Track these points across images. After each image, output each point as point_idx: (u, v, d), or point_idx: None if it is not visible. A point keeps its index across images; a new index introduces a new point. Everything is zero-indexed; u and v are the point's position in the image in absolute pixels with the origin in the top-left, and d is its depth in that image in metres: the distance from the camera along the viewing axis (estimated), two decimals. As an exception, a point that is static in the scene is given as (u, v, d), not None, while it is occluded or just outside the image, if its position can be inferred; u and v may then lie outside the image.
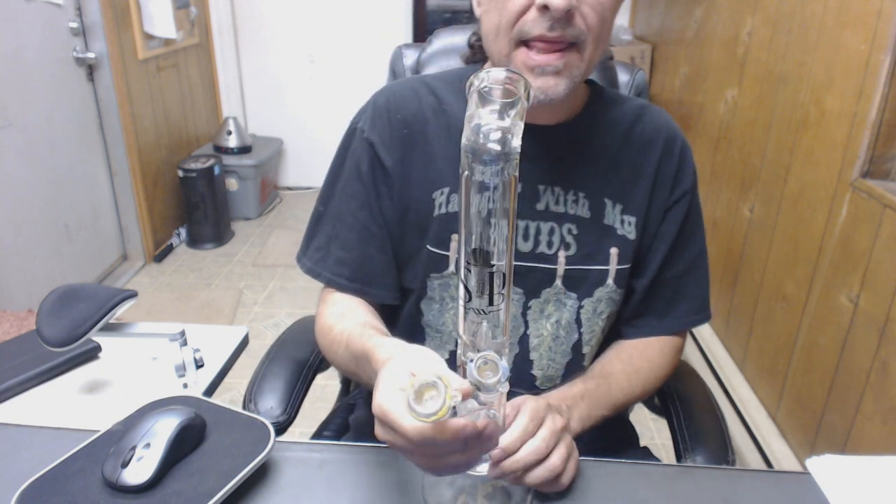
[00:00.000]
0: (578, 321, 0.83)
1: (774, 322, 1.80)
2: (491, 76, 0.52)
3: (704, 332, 2.23)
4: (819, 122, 1.60)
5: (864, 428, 1.39)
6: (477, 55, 0.88)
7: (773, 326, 1.81)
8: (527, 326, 0.82)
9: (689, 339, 2.02)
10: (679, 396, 0.93)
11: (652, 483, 0.66)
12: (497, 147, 0.48)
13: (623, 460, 0.69)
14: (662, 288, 0.87)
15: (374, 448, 0.68)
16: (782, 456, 1.67)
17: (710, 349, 2.16)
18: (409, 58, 1.10)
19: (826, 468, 0.67)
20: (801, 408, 1.64)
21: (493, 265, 0.52)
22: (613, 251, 0.81)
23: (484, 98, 0.50)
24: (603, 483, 0.65)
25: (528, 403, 0.64)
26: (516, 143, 0.49)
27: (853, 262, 1.44)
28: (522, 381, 0.84)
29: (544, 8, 0.67)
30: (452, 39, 1.08)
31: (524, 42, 0.71)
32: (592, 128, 0.82)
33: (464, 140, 0.49)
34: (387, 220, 0.83)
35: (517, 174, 0.50)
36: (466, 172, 0.49)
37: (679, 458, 0.85)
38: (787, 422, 1.72)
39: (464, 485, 0.64)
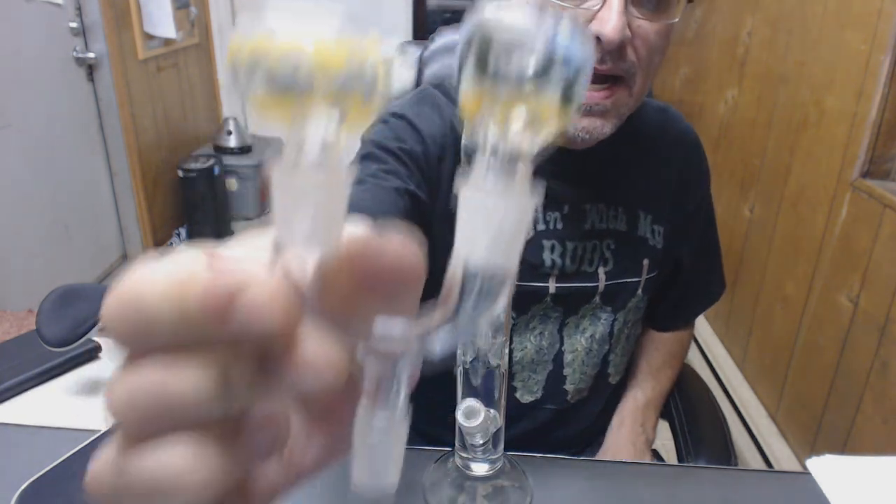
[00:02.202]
0: (611, 333, 0.83)
1: (774, 322, 1.80)
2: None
3: (704, 332, 2.23)
4: (819, 122, 1.60)
5: (864, 428, 1.39)
6: None
7: (773, 326, 1.81)
8: (562, 343, 0.81)
9: (689, 339, 2.02)
10: (681, 399, 0.93)
11: (652, 483, 0.66)
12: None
13: (624, 460, 0.69)
14: (689, 283, 0.91)
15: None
16: (782, 456, 1.67)
17: (710, 349, 2.16)
18: (412, 55, 1.10)
19: (826, 468, 0.67)
20: (801, 408, 1.64)
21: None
22: (645, 262, 0.81)
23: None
24: (603, 483, 0.65)
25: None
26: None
27: (853, 262, 1.44)
28: (555, 396, 0.83)
29: (595, 39, 0.63)
30: (455, 37, 1.08)
31: None
32: (625, 139, 0.80)
33: (464, 140, 0.49)
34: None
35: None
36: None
37: (681, 461, 0.85)
38: (787, 422, 1.72)
39: (464, 485, 0.64)
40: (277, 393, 0.18)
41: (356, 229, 0.20)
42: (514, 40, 0.17)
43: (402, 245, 0.18)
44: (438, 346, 0.19)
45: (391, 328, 0.19)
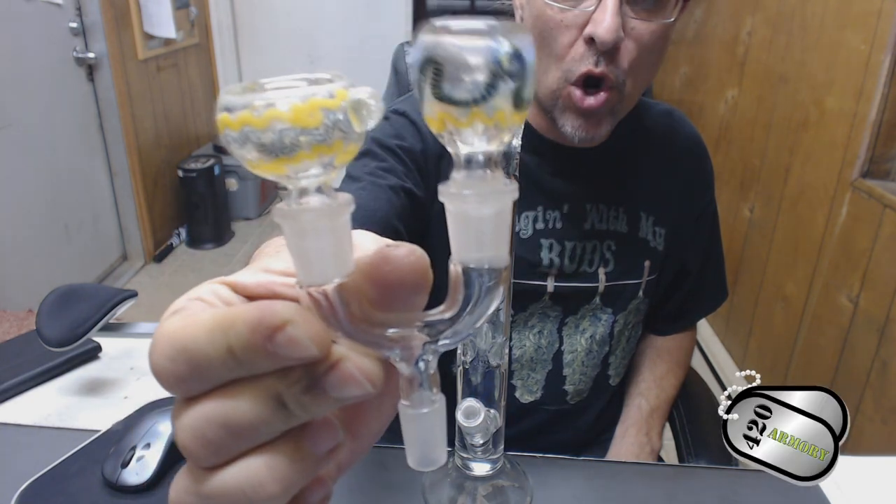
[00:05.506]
0: (611, 334, 0.83)
1: (774, 322, 1.80)
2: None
3: (704, 332, 2.23)
4: (819, 122, 1.60)
5: (864, 428, 1.39)
6: None
7: (773, 326, 1.81)
8: (561, 342, 0.81)
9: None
10: (681, 399, 0.93)
11: (652, 483, 0.66)
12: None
13: (624, 460, 0.69)
14: (692, 289, 0.91)
15: (373, 448, 0.68)
16: (782, 456, 1.67)
17: (710, 349, 2.16)
18: (412, 55, 1.10)
19: (826, 468, 0.67)
20: (801, 408, 1.64)
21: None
22: (647, 264, 0.81)
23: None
24: (603, 483, 0.65)
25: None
26: (516, 142, 0.49)
27: (853, 262, 1.44)
28: (555, 397, 0.83)
29: (591, 40, 0.63)
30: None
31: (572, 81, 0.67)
32: (630, 141, 0.81)
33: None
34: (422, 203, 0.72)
35: (517, 174, 0.50)
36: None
37: (681, 461, 0.85)
38: (787, 422, 1.72)
39: (464, 484, 0.64)
40: (327, 403, 0.20)
41: (365, 241, 0.23)
42: (459, 65, 0.18)
43: (409, 254, 0.20)
44: (451, 340, 0.22)
45: (409, 333, 0.21)
